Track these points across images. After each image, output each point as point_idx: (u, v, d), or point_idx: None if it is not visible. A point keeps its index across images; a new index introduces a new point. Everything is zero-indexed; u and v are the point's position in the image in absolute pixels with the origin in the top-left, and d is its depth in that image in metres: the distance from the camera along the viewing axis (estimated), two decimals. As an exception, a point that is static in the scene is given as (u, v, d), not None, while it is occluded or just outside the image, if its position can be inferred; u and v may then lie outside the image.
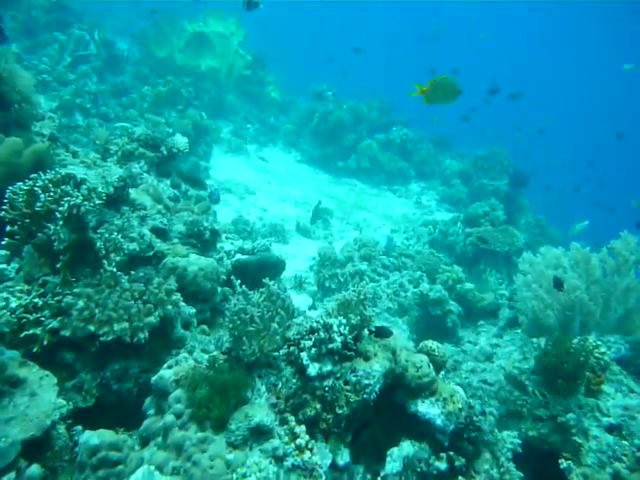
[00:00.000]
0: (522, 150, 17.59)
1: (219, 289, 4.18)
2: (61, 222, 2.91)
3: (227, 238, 5.09)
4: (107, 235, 3.20)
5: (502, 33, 44.25)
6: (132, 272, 3.94)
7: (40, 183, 3.01)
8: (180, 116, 11.95)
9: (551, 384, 3.85)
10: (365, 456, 2.72)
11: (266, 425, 2.31)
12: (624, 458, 3.31)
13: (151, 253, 4.11)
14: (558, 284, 4.32)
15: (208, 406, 2.25)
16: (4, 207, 3.04)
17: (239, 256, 4.84)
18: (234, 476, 2.12)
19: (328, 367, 2.58)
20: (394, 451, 2.68)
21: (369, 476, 2.66)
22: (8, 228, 3.11)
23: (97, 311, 2.88)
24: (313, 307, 6.84)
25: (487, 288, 7.01)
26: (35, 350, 2.78)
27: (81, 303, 2.85)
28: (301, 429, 2.38)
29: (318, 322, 2.66)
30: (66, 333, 2.78)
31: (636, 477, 3.17)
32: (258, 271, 4.61)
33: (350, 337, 2.68)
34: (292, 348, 2.61)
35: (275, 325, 2.53)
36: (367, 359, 2.70)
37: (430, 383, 2.72)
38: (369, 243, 7.70)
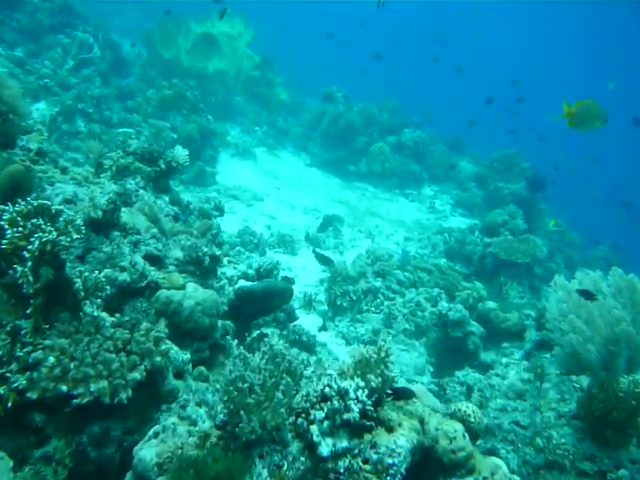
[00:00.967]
0: (538, 152, 16.97)
1: (219, 323, 3.75)
2: (30, 262, 2.49)
3: (229, 262, 4.67)
4: (87, 274, 2.77)
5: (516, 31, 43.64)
6: (122, 308, 3.53)
7: (7, 216, 2.59)
8: (185, 120, 11.55)
9: (598, 434, 3.38)
10: None
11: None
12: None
13: (144, 283, 3.69)
14: (588, 296, 3.92)
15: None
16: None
17: (243, 282, 4.42)
18: None
19: (343, 443, 2.14)
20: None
21: None
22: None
23: (72, 366, 2.47)
24: (324, 328, 6.40)
25: (510, 305, 6.53)
26: (-2, 414, 2.37)
27: (52, 359, 2.43)
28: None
29: (331, 387, 2.21)
30: (33, 395, 2.36)
31: None
32: (263, 300, 4.19)
33: (369, 403, 2.24)
34: (300, 420, 2.17)
35: (279, 395, 2.09)
36: (390, 430, 2.26)
37: (466, 459, 2.27)
38: (383, 257, 7.24)
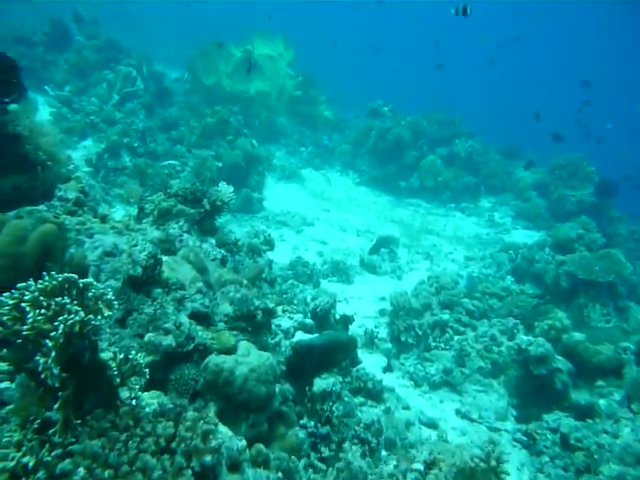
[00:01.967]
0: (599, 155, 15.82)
1: (277, 388, 3.29)
2: (54, 353, 2.10)
3: (284, 311, 4.22)
4: (122, 356, 2.37)
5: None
6: (168, 378, 3.14)
7: (29, 296, 2.22)
8: (230, 147, 11.31)
9: None
10: None
11: None
12: None
13: (191, 346, 3.29)
14: None
15: None
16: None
17: (300, 335, 3.96)
18: None
19: None
20: None
21: None
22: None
23: (106, 476, 2.05)
24: (388, 369, 5.85)
25: (599, 335, 5.78)
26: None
27: (82, 470, 2.02)
28: None
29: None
30: (61, 519, 1.96)
31: None
32: (324, 355, 3.70)
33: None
34: None
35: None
36: None
37: None
38: (447, 285, 6.64)
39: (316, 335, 3.80)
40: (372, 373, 5.04)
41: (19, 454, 2.15)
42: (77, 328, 2.20)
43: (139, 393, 2.52)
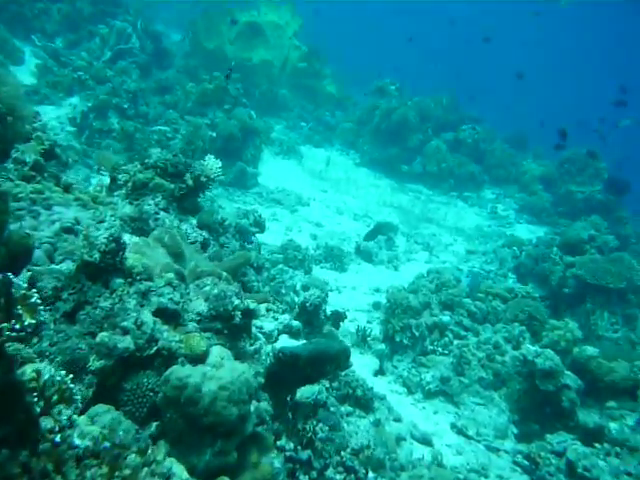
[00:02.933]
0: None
1: (253, 407, 2.76)
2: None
3: (268, 310, 3.67)
4: (47, 377, 1.82)
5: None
6: (122, 387, 2.62)
7: None
8: (227, 116, 10.64)
9: None
10: None
11: None
12: None
13: (153, 350, 2.75)
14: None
15: None
16: None
17: (285, 340, 3.43)
18: None
19: None
20: None
21: None
22: None
23: None
24: (380, 372, 5.36)
25: (613, 350, 5.29)
26: None
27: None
28: None
29: None
30: None
31: None
32: (311, 366, 3.17)
33: None
34: None
35: None
36: None
37: None
38: (449, 282, 6.12)
39: (303, 343, 3.27)
40: (362, 378, 4.54)
41: None
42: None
43: (75, 417, 1.99)
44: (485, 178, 13.72)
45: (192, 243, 4.09)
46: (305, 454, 3.03)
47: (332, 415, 3.72)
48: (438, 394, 5.07)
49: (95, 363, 2.59)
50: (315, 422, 3.23)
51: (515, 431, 4.79)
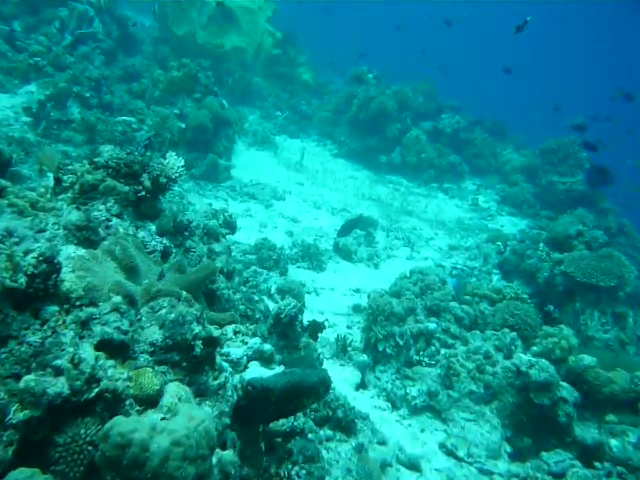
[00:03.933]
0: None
1: (215, 460, 2.32)
2: None
3: (236, 333, 3.20)
4: None
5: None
6: (53, 441, 2.16)
7: None
8: (197, 106, 10.05)
9: None
10: None
11: None
12: None
13: (93, 393, 2.29)
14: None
15: None
16: None
17: (256, 368, 2.98)
18: None
19: None
20: None
21: None
22: None
23: None
24: (362, 385, 4.96)
25: (611, 360, 4.97)
26: None
27: None
28: None
29: None
30: None
31: None
32: (286, 402, 2.73)
33: None
34: None
35: None
36: None
37: None
38: (434, 284, 5.73)
39: (276, 373, 2.83)
40: (343, 396, 4.14)
41: None
42: None
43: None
44: (465, 168, 13.39)
45: (150, 253, 3.62)
46: (280, 506, 2.61)
47: (310, 443, 3.31)
48: (425, 410, 4.69)
49: (18, 415, 2.11)
50: (290, 465, 2.79)
51: (508, 449, 4.44)
